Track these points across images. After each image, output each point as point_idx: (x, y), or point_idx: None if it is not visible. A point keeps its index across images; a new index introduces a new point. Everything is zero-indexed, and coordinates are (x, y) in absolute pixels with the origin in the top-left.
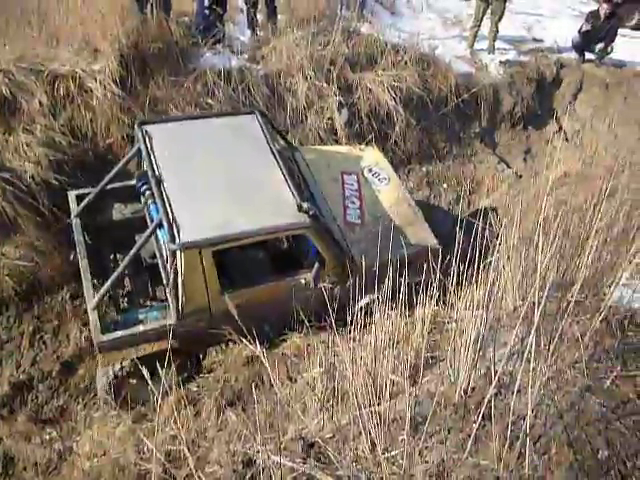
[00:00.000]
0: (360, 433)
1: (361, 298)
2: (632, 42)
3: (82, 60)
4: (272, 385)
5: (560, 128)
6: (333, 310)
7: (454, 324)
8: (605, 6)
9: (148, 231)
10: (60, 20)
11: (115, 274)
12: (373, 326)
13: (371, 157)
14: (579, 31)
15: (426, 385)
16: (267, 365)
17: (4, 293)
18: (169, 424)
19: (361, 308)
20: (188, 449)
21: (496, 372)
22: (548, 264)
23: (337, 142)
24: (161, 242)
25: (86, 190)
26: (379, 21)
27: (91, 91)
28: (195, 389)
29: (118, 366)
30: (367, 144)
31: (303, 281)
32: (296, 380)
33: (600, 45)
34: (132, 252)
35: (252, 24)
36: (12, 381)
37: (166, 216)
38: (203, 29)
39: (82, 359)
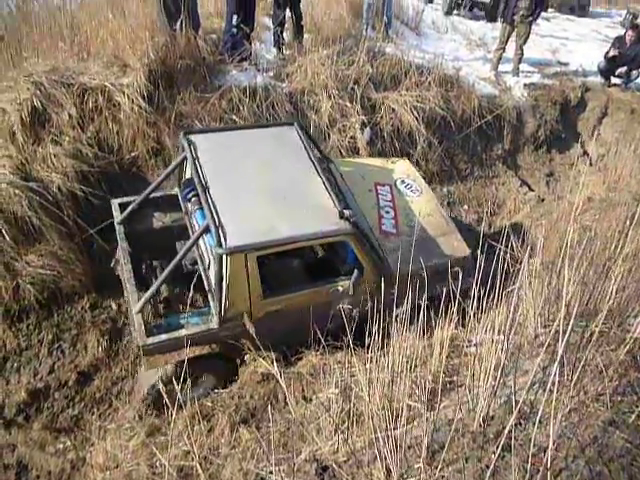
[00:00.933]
0: (375, 458)
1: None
2: None
3: (111, 74)
4: (287, 404)
5: (585, 152)
6: (351, 330)
7: (473, 348)
8: (631, 33)
9: (195, 236)
10: (91, 34)
11: (160, 279)
12: (391, 347)
13: (403, 169)
14: (605, 56)
15: (444, 411)
16: (282, 384)
17: (26, 301)
18: (182, 439)
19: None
20: (200, 465)
21: (517, 401)
22: (572, 291)
23: None
24: (203, 248)
25: (130, 198)
26: (404, 42)
27: (119, 105)
28: (209, 404)
29: (163, 370)
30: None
31: (341, 289)
32: (311, 400)
33: (625, 69)
34: (178, 257)
35: (278, 42)
36: (29, 388)
37: (213, 221)
38: (230, 47)
39: (98, 369)
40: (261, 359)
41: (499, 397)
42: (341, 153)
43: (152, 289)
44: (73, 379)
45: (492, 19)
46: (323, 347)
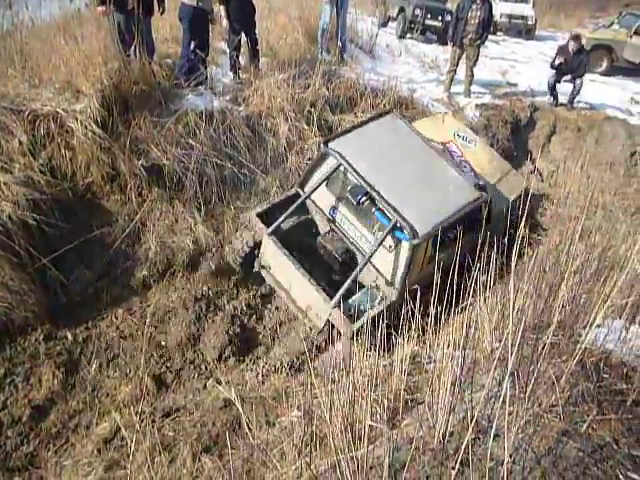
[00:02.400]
0: None
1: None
2: (601, 87)
3: (63, 100)
4: (250, 429)
5: (535, 169)
6: None
7: (433, 365)
8: (573, 43)
9: (384, 234)
10: (43, 60)
11: (352, 276)
12: (351, 363)
13: (451, 123)
14: (552, 65)
15: (405, 429)
16: (242, 410)
17: None
18: (142, 472)
19: None
20: None
21: (474, 416)
22: (523, 305)
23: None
24: (364, 240)
25: (264, 207)
26: (359, 65)
27: (72, 131)
28: (171, 434)
29: None
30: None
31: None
32: (274, 424)
33: (570, 77)
34: (368, 257)
35: (235, 67)
36: None
37: (401, 218)
38: (187, 71)
39: (54, 403)
40: (220, 387)
41: (458, 413)
42: (299, 175)
43: (345, 286)
44: (27, 414)
45: (444, 42)
46: (286, 370)
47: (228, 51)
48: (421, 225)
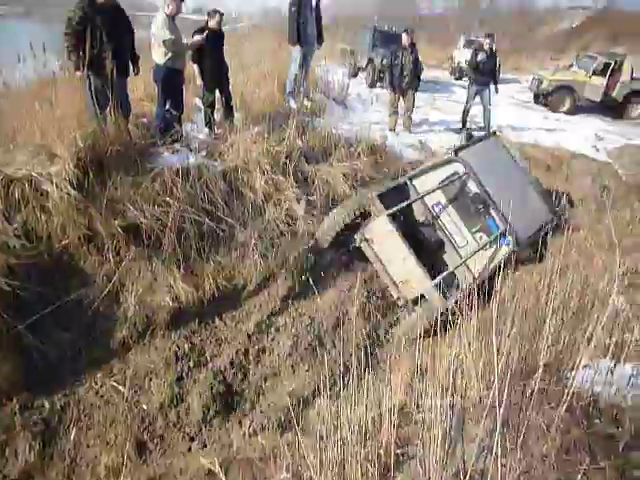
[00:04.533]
0: None
1: None
2: (567, 125)
3: (38, 163)
4: None
5: None
6: None
7: (422, 415)
8: (487, 40)
9: (492, 239)
10: (18, 124)
11: (452, 268)
12: (340, 418)
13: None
14: (472, 62)
15: None
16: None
17: None
18: None
19: None
20: None
21: (467, 472)
22: (508, 349)
23: (295, 234)
24: (461, 237)
25: (382, 190)
26: (332, 115)
27: (46, 194)
28: None
29: None
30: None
31: None
32: None
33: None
34: (472, 254)
35: (210, 123)
36: None
37: (510, 228)
38: (162, 130)
39: (31, 477)
40: (203, 456)
41: (450, 467)
42: (278, 226)
43: (447, 272)
44: None
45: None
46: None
47: (203, 108)
48: (522, 235)
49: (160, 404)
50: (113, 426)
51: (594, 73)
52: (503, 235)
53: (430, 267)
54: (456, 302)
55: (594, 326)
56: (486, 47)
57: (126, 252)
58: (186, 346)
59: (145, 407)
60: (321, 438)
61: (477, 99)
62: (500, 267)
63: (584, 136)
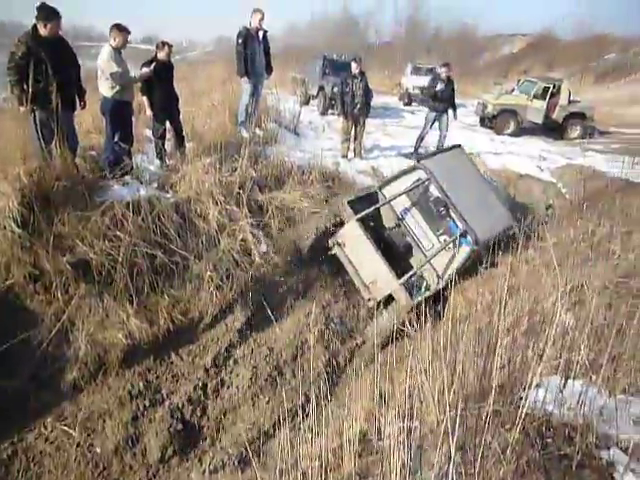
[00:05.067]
0: None
1: None
2: (512, 147)
3: None
4: None
5: None
6: None
7: (382, 442)
8: (444, 69)
9: (453, 239)
10: None
11: (416, 269)
12: (301, 451)
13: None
14: (430, 91)
15: None
16: None
17: None
18: None
19: None
20: None
21: None
22: (464, 371)
23: (251, 264)
24: (426, 238)
25: (352, 197)
26: (284, 143)
27: None
28: None
29: None
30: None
31: None
32: None
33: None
34: (434, 254)
35: (161, 154)
36: None
37: (469, 228)
38: (111, 162)
39: None
40: None
41: None
42: (233, 257)
43: (413, 271)
44: None
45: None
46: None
47: (153, 139)
48: (481, 235)
49: (115, 446)
50: (65, 474)
51: (535, 97)
52: (464, 235)
53: (400, 269)
54: (418, 306)
55: (544, 345)
56: (443, 76)
57: (75, 289)
58: (141, 384)
59: (99, 450)
60: (281, 474)
61: (435, 124)
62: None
63: (529, 157)
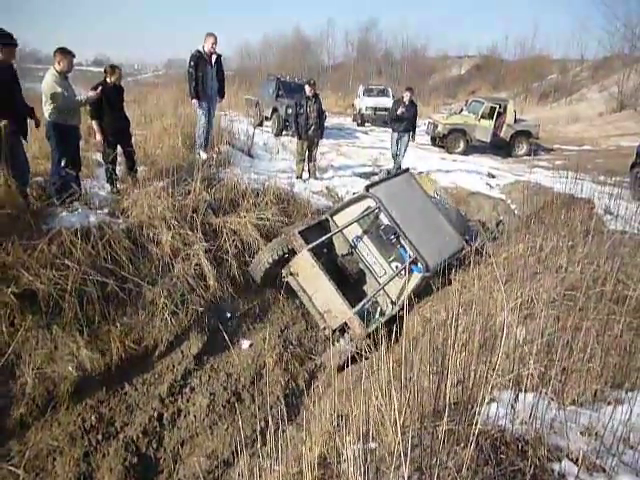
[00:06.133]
0: None
1: None
2: (462, 165)
3: None
4: None
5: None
6: None
7: (341, 466)
8: (407, 93)
9: (403, 266)
10: None
11: (369, 297)
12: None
13: (432, 184)
14: (392, 116)
15: None
16: None
17: None
18: None
19: None
20: None
21: None
22: (420, 389)
23: (206, 289)
24: (379, 265)
25: (303, 227)
26: (238, 166)
27: None
28: None
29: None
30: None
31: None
32: None
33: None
34: (387, 281)
35: (111, 178)
36: None
37: (420, 256)
38: (58, 189)
39: None
40: None
41: None
42: (188, 281)
43: (366, 299)
44: None
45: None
46: None
47: (104, 164)
48: (431, 262)
49: None
50: None
51: (482, 116)
52: (414, 263)
53: (355, 295)
54: (376, 330)
55: (497, 359)
56: (406, 99)
57: (21, 321)
58: (93, 417)
59: None
60: None
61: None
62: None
63: (479, 175)
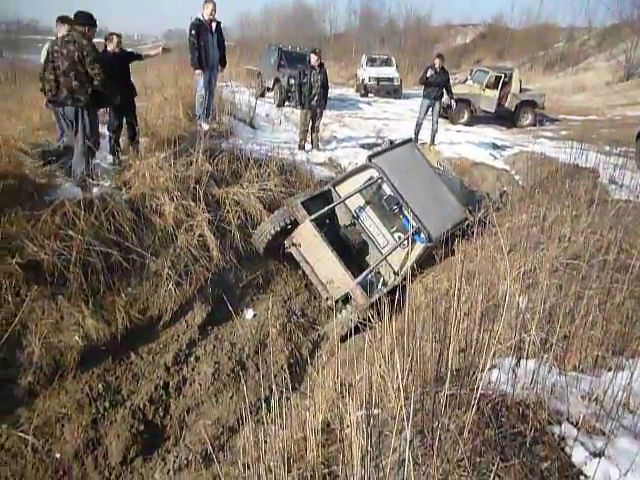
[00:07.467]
0: None
1: None
2: (467, 136)
3: None
4: None
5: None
6: None
7: (345, 431)
8: (437, 60)
9: (406, 236)
10: None
11: (373, 266)
12: (265, 444)
13: (436, 155)
14: (426, 78)
15: None
16: None
17: None
18: None
19: None
20: None
21: None
22: (424, 357)
23: (210, 259)
24: (381, 236)
25: (306, 197)
26: (240, 137)
27: None
28: None
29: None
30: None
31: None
32: None
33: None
34: (390, 251)
35: (114, 149)
36: None
37: (422, 226)
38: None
39: None
40: None
41: None
42: (191, 252)
43: (368, 270)
44: None
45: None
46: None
47: (107, 133)
48: (434, 232)
49: (75, 451)
50: None
51: (487, 86)
52: (417, 233)
53: (357, 266)
54: (379, 300)
55: (498, 327)
56: (437, 65)
57: (27, 292)
58: (100, 386)
59: (58, 456)
60: (248, 467)
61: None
62: (417, 263)
63: (483, 145)
